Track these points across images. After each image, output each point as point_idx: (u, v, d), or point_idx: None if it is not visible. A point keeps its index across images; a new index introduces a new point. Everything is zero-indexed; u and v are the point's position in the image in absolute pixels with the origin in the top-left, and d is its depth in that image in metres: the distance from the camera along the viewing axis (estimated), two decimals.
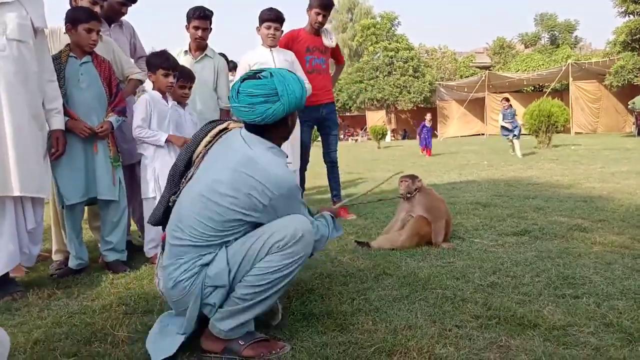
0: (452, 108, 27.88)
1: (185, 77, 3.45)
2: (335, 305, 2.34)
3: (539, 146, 13.31)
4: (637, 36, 16.55)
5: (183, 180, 2.11)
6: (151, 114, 3.26)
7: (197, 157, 2.11)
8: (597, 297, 2.28)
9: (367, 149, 20.47)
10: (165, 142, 3.26)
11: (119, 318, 2.32)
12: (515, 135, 11.55)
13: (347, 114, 34.57)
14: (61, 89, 2.94)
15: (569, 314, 2.12)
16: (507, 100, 12.33)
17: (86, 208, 3.38)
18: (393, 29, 32.46)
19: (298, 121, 4.40)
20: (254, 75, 1.94)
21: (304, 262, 1.94)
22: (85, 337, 2.12)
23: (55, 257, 3.40)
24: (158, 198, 3.17)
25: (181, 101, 3.50)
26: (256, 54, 4.23)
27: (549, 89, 22.14)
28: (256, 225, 1.92)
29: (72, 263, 3.15)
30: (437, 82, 29.51)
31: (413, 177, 3.51)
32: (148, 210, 3.27)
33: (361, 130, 32.80)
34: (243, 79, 1.94)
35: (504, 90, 25.69)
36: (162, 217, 2.18)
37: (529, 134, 14.20)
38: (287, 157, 2.04)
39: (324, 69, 4.68)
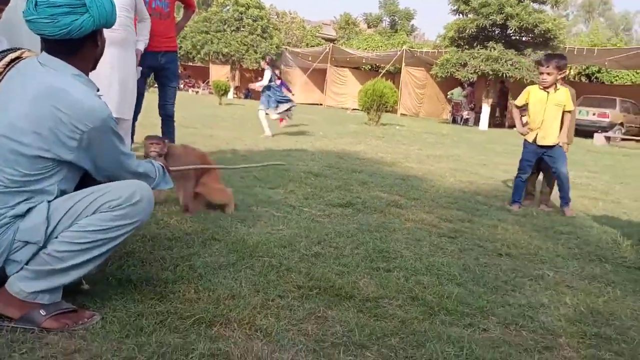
0: (296, 75, 28.32)
1: None
2: (156, 271, 2.21)
3: (369, 123, 14.24)
4: (463, 34, 18.40)
5: None
6: None
7: None
8: (406, 271, 2.51)
9: (208, 103, 19.82)
10: None
11: None
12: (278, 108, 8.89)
13: (190, 64, 33.02)
14: None
15: (381, 286, 2.29)
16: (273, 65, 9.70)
17: None
18: None
19: (136, 68, 4.01)
20: None
21: (133, 230, 1.78)
22: None
23: None
24: None
25: None
26: None
27: (384, 70, 23.69)
28: (76, 167, 1.72)
29: None
30: (284, 47, 29.66)
31: (162, 139, 3.04)
32: None
33: (203, 83, 31.65)
34: None
35: (345, 65, 26.82)
36: None
37: (361, 110, 15.09)
38: (97, 90, 1.82)
39: (166, 13, 4.33)
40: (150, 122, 6.11)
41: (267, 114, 8.86)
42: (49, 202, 1.68)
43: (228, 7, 29.95)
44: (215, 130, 8.81)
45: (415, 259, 2.71)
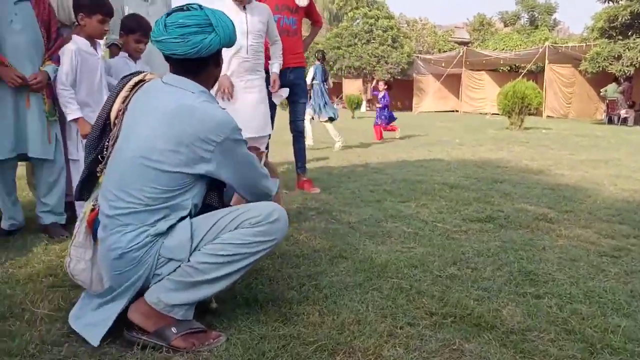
0: (429, 82, 27.70)
1: (145, 31, 3.11)
2: (282, 290, 2.16)
3: (511, 127, 13.31)
4: (615, 24, 16.45)
5: (106, 143, 1.88)
6: (77, 67, 2.87)
7: (116, 116, 1.87)
8: (559, 298, 2.16)
9: (341, 118, 20.18)
10: (72, 120, 2.88)
11: (42, 291, 2.10)
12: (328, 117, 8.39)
13: None
14: None
15: (529, 316, 1.99)
16: (323, 59, 9.31)
17: (26, 162, 3.09)
18: None
19: (264, 84, 4.06)
20: (180, 8, 1.78)
21: (270, 249, 1.79)
22: None
23: None
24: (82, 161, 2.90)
25: (135, 56, 3.18)
26: (224, 11, 3.76)
27: (525, 70, 22.12)
28: (207, 181, 1.79)
29: (4, 224, 2.89)
30: (415, 55, 29.21)
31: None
32: (74, 171, 3.02)
33: (337, 98, 32.42)
34: (169, 14, 1.77)
35: (481, 68, 25.58)
36: (82, 190, 1.97)
37: (501, 114, 14.19)
38: (217, 103, 1.88)
39: (294, 30, 4.37)
40: (282, 139, 6.30)
41: (312, 118, 8.22)
42: (190, 219, 1.73)
43: (358, 21, 30.41)
44: (347, 144, 8.84)
45: (570, 283, 2.34)
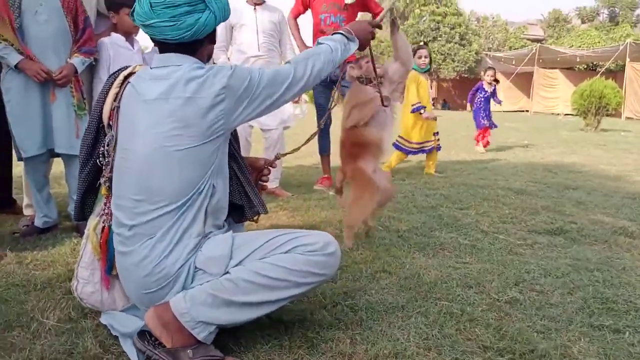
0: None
1: None
2: (312, 310, 1.91)
3: (586, 129, 12.40)
4: None
5: (103, 148, 1.69)
6: (111, 60, 2.80)
7: (109, 116, 1.68)
8: None
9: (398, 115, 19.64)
10: None
11: (56, 298, 1.96)
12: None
13: None
14: (16, 21, 2.49)
15: (606, 356, 1.63)
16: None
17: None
18: None
19: None
20: None
21: (316, 286, 1.62)
22: (6, 321, 1.77)
23: (26, 211, 3.08)
24: None
25: None
26: (237, 12, 3.69)
27: (603, 68, 20.69)
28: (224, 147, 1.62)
29: (38, 221, 2.82)
30: (484, 52, 28.11)
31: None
32: None
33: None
34: None
35: (555, 66, 24.23)
36: (84, 207, 1.82)
37: (576, 115, 13.26)
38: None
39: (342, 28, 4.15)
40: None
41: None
42: (233, 235, 1.59)
43: (425, 18, 29.68)
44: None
45: None
